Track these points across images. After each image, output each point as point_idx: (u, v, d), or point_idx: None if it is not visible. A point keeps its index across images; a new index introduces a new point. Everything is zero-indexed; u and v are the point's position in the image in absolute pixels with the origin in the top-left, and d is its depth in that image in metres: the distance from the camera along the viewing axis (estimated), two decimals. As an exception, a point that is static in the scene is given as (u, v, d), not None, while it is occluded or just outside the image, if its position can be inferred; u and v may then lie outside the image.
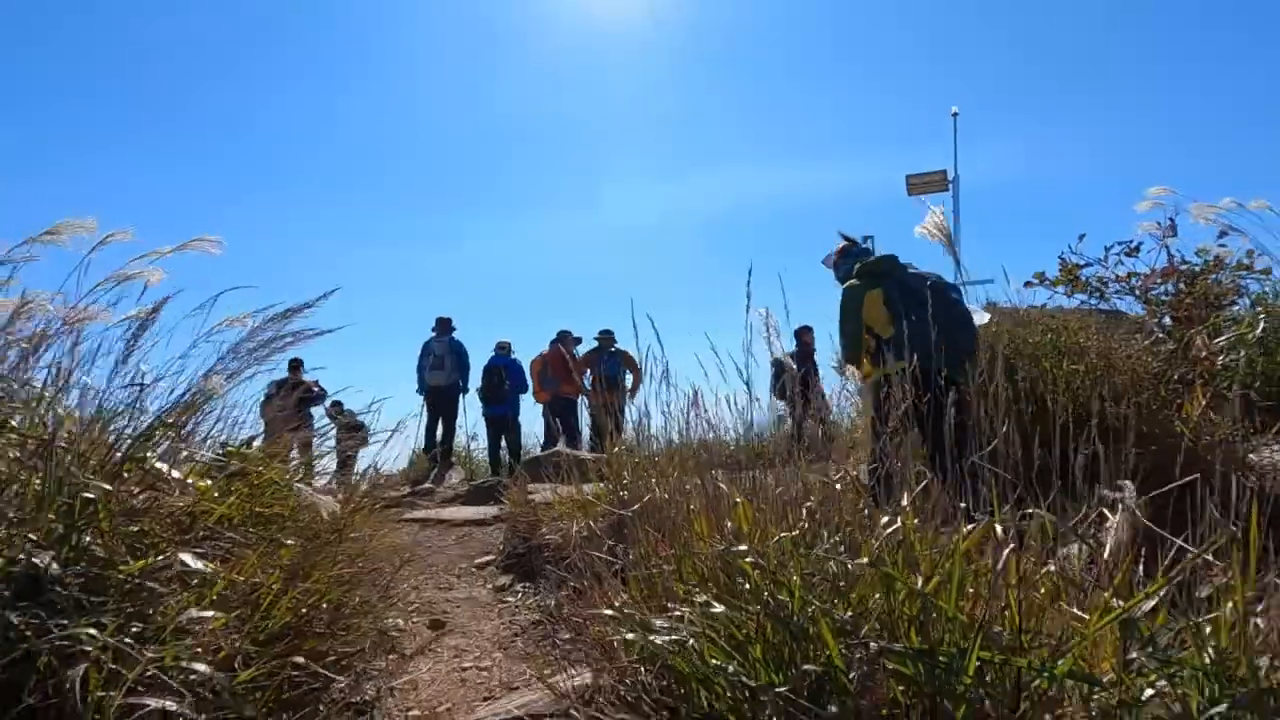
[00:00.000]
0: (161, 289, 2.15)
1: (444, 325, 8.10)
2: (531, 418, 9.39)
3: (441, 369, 7.93)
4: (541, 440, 8.19)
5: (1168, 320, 4.65)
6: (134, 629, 1.49)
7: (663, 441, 3.38)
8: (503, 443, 8.06)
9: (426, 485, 5.99)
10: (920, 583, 1.04)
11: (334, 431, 5.32)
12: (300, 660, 1.53)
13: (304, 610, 1.78)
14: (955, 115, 12.67)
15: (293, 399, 3.60)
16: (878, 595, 1.19)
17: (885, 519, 1.23)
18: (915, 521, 1.19)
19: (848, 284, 3.38)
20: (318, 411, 7.33)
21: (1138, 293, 5.09)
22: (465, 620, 2.86)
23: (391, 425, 2.90)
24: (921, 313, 3.17)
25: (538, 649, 2.43)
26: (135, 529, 1.63)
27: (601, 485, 3.31)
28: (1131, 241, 5.06)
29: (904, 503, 1.22)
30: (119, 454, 1.73)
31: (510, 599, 3.12)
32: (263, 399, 3.99)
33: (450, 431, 8.15)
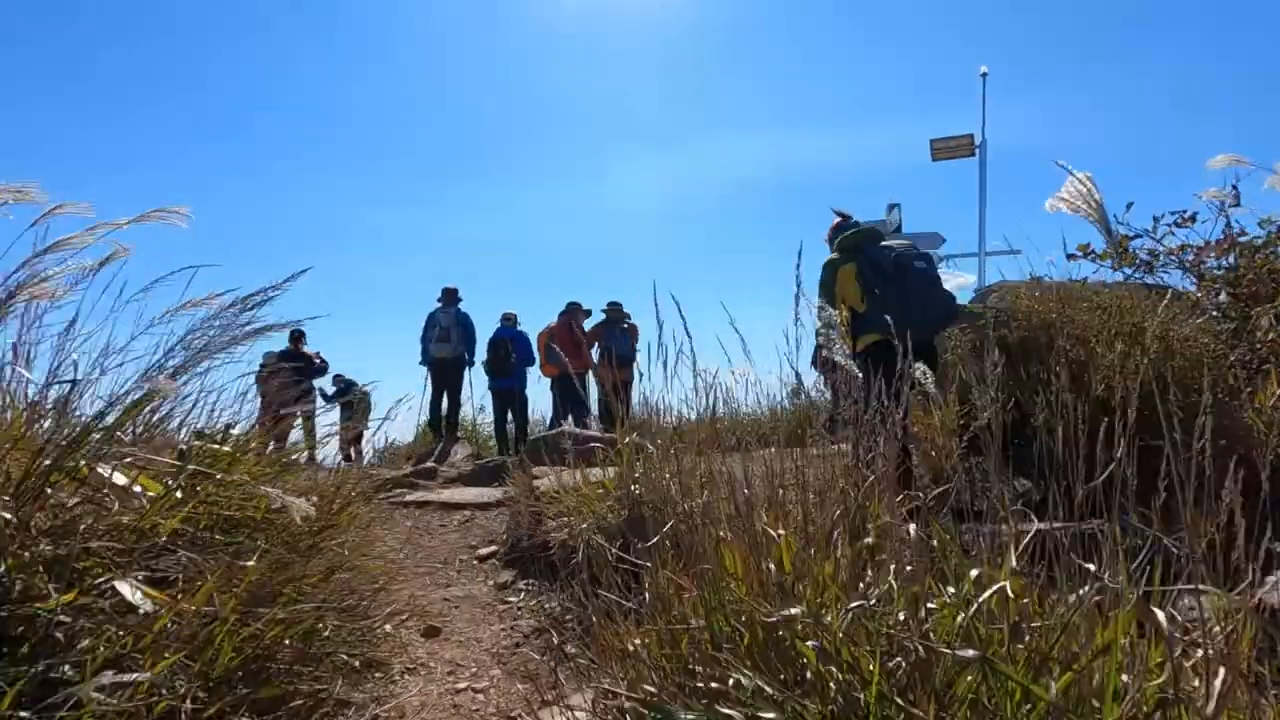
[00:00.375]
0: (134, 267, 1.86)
1: (450, 296, 7.81)
2: (539, 391, 9.15)
3: (447, 341, 7.66)
4: (549, 416, 7.96)
5: (1223, 297, 4.30)
6: (58, 676, 1.26)
7: (679, 416, 3.16)
8: (509, 416, 7.83)
9: (429, 464, 5.77)
10: (1050, 686, 0.77)
11: (336, 412, 5.10)
12: None
13: (267, 642, 1.54)
14: (984, 76, 12.00)
15: (279, 379, 3.32)
16: (970, 678, 0.92)
17: (976, 572, 0.96)
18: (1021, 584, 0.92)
19: (826, 259, 3.43)
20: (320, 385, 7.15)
21: (1188, 266, 4.72)
22: (463, 625, 2.64)
23: (392, 402, 2.66)
24: (886, 286, 3.14)
25: (539, 665, 2.20)
26: (63, 553, 1.38)
27: (609, 475, 3.06)
28: (1185, 211, 4.67)
29: (1012, 562, 0.95)
30: (47, 461, 1.47)
31: (512, 599, 2.90)
32: (259, 371, 3.74)
33: (456, 405, 7.93)
